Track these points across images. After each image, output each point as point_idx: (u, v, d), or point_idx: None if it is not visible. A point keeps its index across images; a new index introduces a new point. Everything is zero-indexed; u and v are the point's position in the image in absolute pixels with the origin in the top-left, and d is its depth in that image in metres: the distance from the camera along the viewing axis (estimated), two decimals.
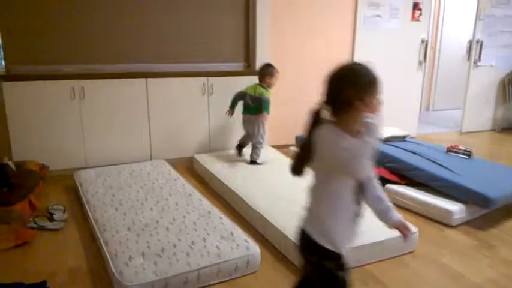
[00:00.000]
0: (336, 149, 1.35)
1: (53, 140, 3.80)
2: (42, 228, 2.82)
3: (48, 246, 2.64)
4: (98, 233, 2.60)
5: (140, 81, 4.02)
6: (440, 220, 3.06)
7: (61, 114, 3.79)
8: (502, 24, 5.77)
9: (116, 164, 3.88)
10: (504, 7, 5.70)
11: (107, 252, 2.33)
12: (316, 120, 1.42)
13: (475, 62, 5.74)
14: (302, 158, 1.47)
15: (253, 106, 3.95)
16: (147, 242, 2.41)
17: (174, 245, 2.38)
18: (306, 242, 1.50)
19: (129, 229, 2.58)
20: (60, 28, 3.88)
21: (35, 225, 2.83)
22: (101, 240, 2.49)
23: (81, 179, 3.47)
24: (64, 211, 3.07)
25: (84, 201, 3.09)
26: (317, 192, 1.49)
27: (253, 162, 3.98)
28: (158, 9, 4.17)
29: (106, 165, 3.84)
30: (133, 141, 4.10)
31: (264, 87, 3.96)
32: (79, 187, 3.36)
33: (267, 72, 3.98)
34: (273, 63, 4.58)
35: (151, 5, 4.15)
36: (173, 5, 4.22)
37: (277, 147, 4.59)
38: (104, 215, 2.79)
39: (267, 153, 4.28)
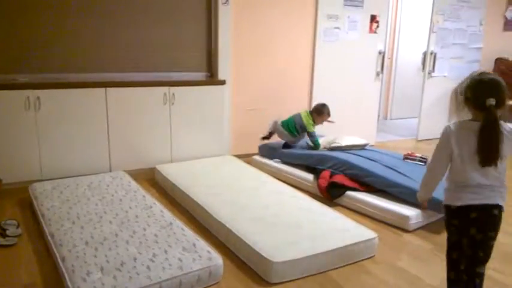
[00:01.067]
0: None
1: (7, 152, 3.64)
2: None
3: (0, 263, 2.52)
4: (53, 248, 2.50)
5: (99, 91, 3.93)
6: (398, 225, 3.15)
7: (15, 125, 3.65)
8: (454, 36, 6.05)
9: (73, 176, 3.76)
10: (455, 20, 5.99)
11: (63, 268, 2.25)
12: (496, 120, 1.82)
13: (429, 73, 5.98)
14: (495, 149, 1.82)
15: (294, 126, 4.32)
16: (105, 256, 2.35)
17: (135, 259, 2.33)
18: (494, 214, 1.89)
19: (86, 243, 2.50)
20: (14, 36, 3.75)
21: None
22: (57, 255, 2.41)
23: (37, 192, 3.34)
24: (17, 226, 2.94)
25: (40, 215, 2.98)
26: (499, 171, 1.88)
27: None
28: (117, 17, 4.12)
29: (63, 178, 3.72)
30: (92, 153, 3.99)
31: (312, 119, 4.30)
32: (34, 200, 3.23)
33: (315, 109, 4.37)
34: (235, 72, 4.63)
35: (111, 12, 4.08)
36: (133, 13, 4.17)
37: (240, 156, 4.60)
38: (61, 229, 2.70)
39: (229, 163, 4.28)
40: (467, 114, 1.94)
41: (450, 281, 2.02)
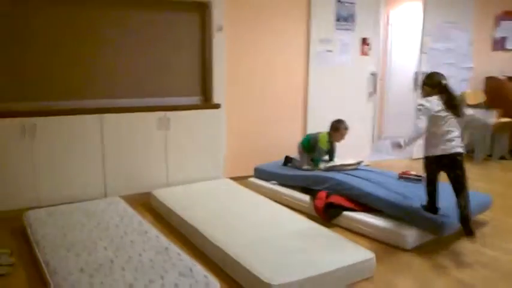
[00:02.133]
0: None
1: (1, 180, 3.63)
2: None
3: None
4: (48, 276, 2.47)
5: (94, 117, 3.94)
6: (396, 244, 3.13)
7: (11, 153, 3.64)
8: (443, 57, 6.15)
9: (68, 203, 3.73)
10: (445, 41, 6.10)
11: None
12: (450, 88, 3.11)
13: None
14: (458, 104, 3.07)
15: (308, 141, 4.36)
16: (101, 283, 2.32)
17: (130, 285, 2.29)
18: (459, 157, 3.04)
19: (81, 270, 2.47)
20: (9, 64, 3.79)
21: None
22: (52, 284, 2.37)
23: (31, 219, 3.31)
24: (10, 254, 2.90)
25: (33, 242, 2.94)
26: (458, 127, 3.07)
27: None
28: (112, 44, 4.17)
29: (58, 205, 3.69)
30: (87, 179, 3.97)
31: (329, 137, 4.30)
32: (28, 228, 3.20)
33: (331, 126, 4.31)
34: (229, 96, 4.67)
35: (106, 40, 4.14)
36: (128, 39, 4.23)
37: (236, 178, 4.59)
38: (55, 256, 2.66)
39: (226, 186, 4.27)
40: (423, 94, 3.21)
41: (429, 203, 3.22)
